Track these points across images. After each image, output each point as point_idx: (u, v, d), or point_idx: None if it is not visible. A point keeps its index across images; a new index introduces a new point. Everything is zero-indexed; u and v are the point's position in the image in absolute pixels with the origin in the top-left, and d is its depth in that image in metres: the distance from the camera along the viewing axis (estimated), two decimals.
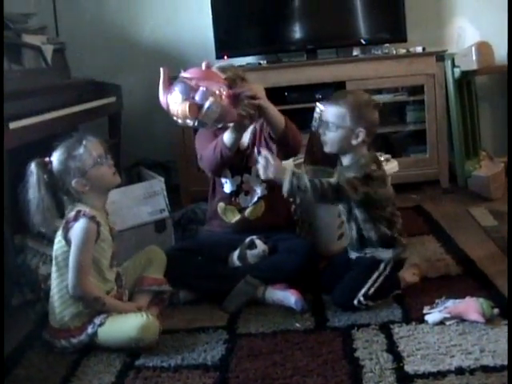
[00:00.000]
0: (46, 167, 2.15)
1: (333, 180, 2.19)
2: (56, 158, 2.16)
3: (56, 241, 2.17)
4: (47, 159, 2.17)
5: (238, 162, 2.58)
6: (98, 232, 2.14)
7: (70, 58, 3.60)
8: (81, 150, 2.15)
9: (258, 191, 2.62)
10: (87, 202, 2.17)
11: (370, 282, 2.25)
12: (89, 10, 4.05)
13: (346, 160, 2.31)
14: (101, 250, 2.17)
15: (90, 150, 2.16)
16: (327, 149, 2.31)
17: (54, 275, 2.17)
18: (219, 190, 2.67)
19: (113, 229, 2.26)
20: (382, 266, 2.29)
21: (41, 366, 2.04)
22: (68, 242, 2.12)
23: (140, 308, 2.20)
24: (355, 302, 2.21)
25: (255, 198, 2.63)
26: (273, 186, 2.51)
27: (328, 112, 2.28)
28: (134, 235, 2.68)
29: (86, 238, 2.10)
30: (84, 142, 2.16)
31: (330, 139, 2.28)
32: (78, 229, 2.10)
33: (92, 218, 2.12)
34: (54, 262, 2.17)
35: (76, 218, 2.12)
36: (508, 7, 3.25)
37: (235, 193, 2.64)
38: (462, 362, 1.82)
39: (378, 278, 2.27)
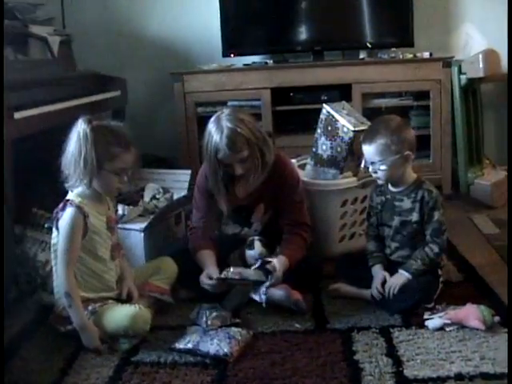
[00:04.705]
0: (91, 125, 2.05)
1: (434, 250, 2.24)
2: (97, 134, 2.04)
3: (53, 230, 2.14)
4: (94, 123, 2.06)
5: (238, 215, 2.58)
6: (85, 223, 2.08)
7: (75, 51, 3.57)
8: (117, 150, 2.07)
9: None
10: (80, 192, 2.10)
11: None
12: (96, 2, 4.04)
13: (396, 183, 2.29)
14: (94, 242, 2.12)
15: (122, 157, 2.08)
16: (381, 182, 2.29)
17: (54, 264, 2.15)
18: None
19: (113, 219, 2.23)
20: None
21: (38, 359, 2.03)
22: (59, 231, 2.09)
23: (130, 295, 2.21)
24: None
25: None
26: (268, 230, 2.56)
27: (369, 153, 2.23)
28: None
29: (71, 228, 2.05)
30: (126, 148, 2.08)
31: (384, 174, 2.24)
32: (64, 219, 2.07)
33: (78, 208, 2.07)
34: (54, 254, 2.14)
35: (63, 208, 2.09)
36: (508, 9, 3.24)
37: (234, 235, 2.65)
38: (462, 368, 1.81)
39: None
